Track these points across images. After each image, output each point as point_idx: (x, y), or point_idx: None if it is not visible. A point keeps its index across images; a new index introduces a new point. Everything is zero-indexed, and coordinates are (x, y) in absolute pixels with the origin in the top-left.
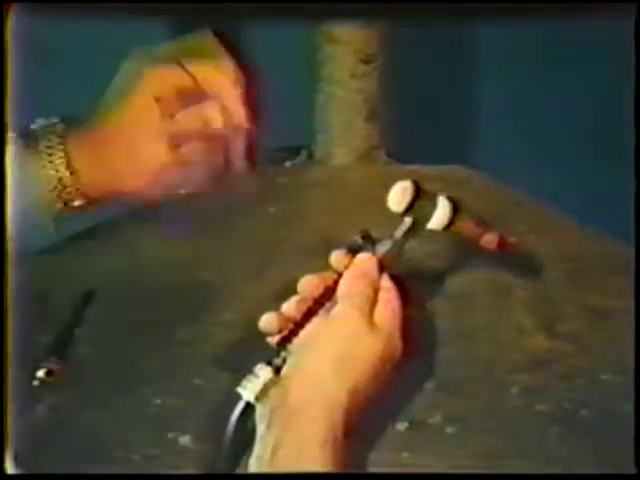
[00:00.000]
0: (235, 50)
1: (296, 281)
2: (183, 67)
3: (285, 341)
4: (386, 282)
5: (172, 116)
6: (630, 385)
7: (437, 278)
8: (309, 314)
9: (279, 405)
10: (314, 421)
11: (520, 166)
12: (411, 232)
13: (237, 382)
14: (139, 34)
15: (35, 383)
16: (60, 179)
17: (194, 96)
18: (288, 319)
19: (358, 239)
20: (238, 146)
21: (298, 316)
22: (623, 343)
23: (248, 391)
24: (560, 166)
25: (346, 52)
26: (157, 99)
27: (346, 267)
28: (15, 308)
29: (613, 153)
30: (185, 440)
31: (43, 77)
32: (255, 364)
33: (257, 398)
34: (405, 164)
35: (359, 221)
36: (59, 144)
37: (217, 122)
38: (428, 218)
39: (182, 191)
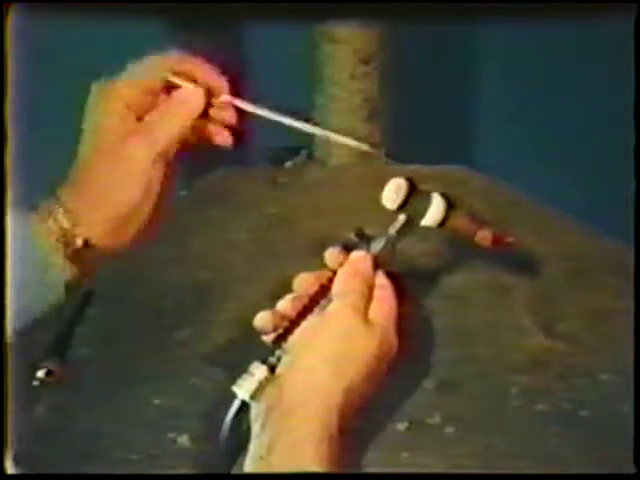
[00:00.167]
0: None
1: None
2: (144, 66)
3: (280, 339)
4: (381, 279)
5: (142, 118)
6: (630, 385)
7: (433, 276)
8: (304, 312)
9: (274, 404)
10: (309, 420)
11: (520, 166)
12: (405, 229)
13: (234, 381)
14: (139, 34)
15: (35, 383)
16: (63, 230)
17: (165, 94)
18: (283, 317)
19: (352, 237)
20: (222, 117)
21: (293, 314)
22: (623, 343)
23: (243, 390)
24: (560, 166)
25: (346, 52)
26: (126, 105)
27: (341, 265)
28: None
29: (613, 154)
30: (183, 440)
31: (43, 77)
32: (251, 363)
33: (252, 397)
34: (405, 164)
35: (359, 221)
36: (55, 199)
37: (194, 101)
38: (422, 215)
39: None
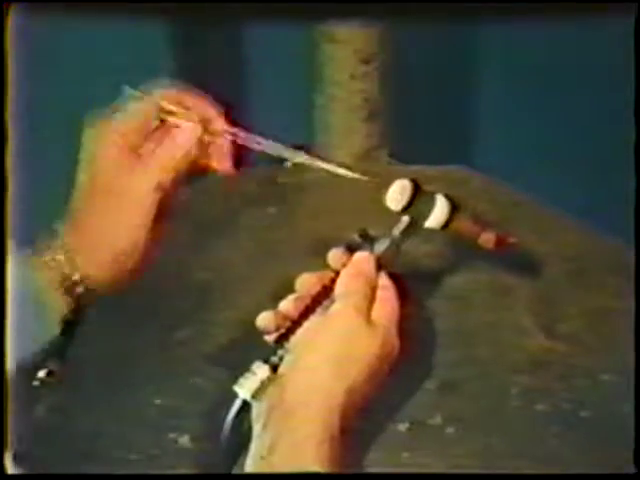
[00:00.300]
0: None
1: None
2: (139, 102)
3: (282, 339)
4: (384, 280)
5: (138, 152)
6: (630, 385)
7: (435, 276)
8: (307, 312)
9: (276, 404)
10: (311, 420)
11: (521, 166)
12: (409, 230)
13: (236, 381)
14: (139, 34)
15: (35, 383)
16: (64, 272)
17: (161, 127)
18: (285, 317)
19: (356, 237)
20: (220, 145)
21: (295, 314)
22: (623, 343)
23: (245, 389)
24: (560, 166)
25: (346, 52)
26: (122, 138)
27: (344, 265)
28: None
29: (613, 153)
30: (184, 440)
31: (43, 77)
32: (253, 362)
33: (254, 396)
34: (405, 164)
35: (359, 221)
36: (57, 240)
37: (190, 133)
38: (426, 217)
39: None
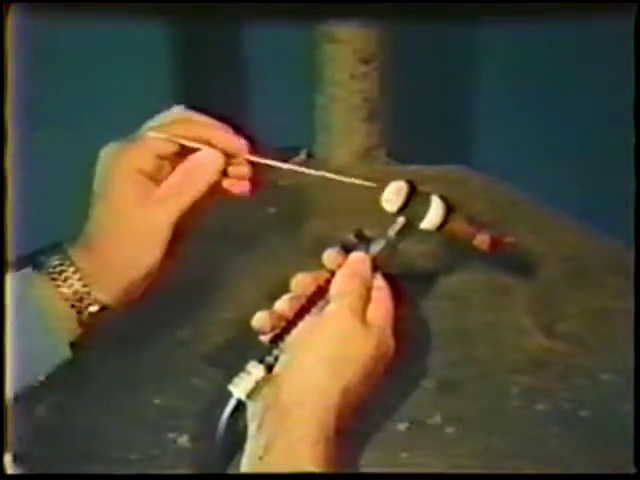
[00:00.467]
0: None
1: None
2: (157, 132)
3: (277, 339)
4: (379, 281)
5: (157, 181)
6: (630, 385)
7: (433, 277)
8: (302, 312)
9: (271, 404)
10: (306, 421)
11: (520, 166)
12: (404, 231)
13: (231, 381)
14: (139, 34)
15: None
16: (76, 293)
17: (180, 157)
18: (281, 317)
19: (352, 238)
20: (239, 172)
21: (291, 314)
22: (623, 343)
23: (240, 389)
24: (560, 166)
25: (346, 52)
26: (140, 170)
27: (339, 266)
28: None
29: (613, 153)
30: (183, 440)
31: (43, 78)
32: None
33: (249, 396)
34: (405, 164)
35: (359, 221)
36: (65, 260)
37: (214, 165)
38: (421, 218)
39: None
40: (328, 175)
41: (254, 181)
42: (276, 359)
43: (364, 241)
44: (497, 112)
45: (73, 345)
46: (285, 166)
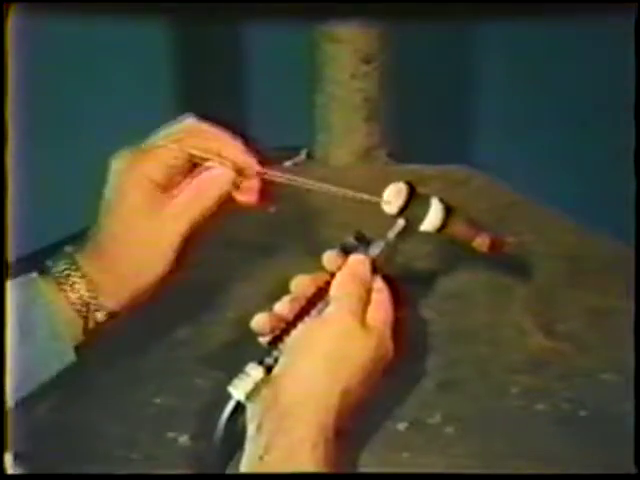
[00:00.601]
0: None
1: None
2: (170, 145)
3: (277, 340)
4: (379, 283)
5: (169, 193)
6: (630, 385)
7: (433, 276)
8: (301, 314)
9: (270, 406)
10: (305, 423)
11: (520, 166)
12: (404, 233)
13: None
14: (139, 34)
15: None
16: (83, 300)
17: (191, 169)
18: (280, 319)
19: (352, 239)
20: (249, 185)
21: (290, 316)
22: (623, 343)
23: (239, 390)
24: (560, 166)
25: (346, 52)
26: (151, 181)
27: (339, 268)
28: None
29: (613, 153)
30: (184, 440)
31: (43, 78)
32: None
33: (248, 397)
34: (405, 164)
35: (359, 222)
36: (73, 266)
37: (225, 181)
38: (421, 220)
39: None
40: (335, 189)
41: (263, 193)
42: (275, 360)
43: (364, 243)
44: (497, 112)
45: (77, 348)
46: (299, 183)
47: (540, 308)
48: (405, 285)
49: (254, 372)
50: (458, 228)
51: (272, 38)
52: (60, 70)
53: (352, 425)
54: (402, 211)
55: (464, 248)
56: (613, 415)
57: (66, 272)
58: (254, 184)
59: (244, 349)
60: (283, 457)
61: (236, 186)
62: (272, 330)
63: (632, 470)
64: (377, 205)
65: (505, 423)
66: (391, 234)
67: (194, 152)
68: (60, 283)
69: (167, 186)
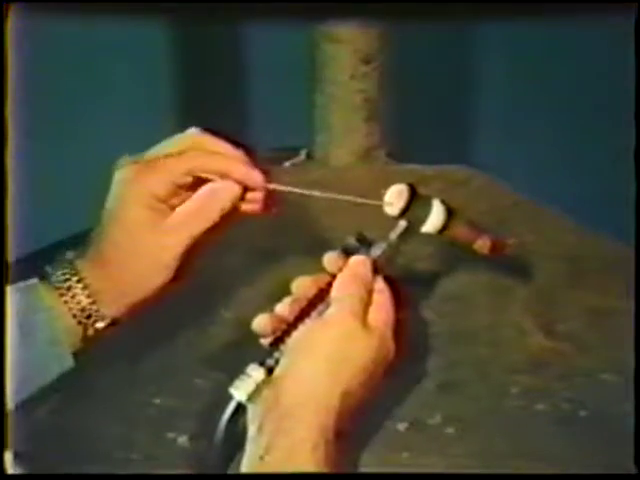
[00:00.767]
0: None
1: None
2: (175, 160)
3: (278, 342)
4: (380, 284)
5: (172, 206)
6: (630, 385)
7: (433, 278)
8: (302, 315)
9: (271, 407)
10: (306, 424)
11: (520, 166)
12: (405, 235)
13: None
14: (139, 34)
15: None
16: (83, 308)
17: (194, 182)
18: (281, 320)
19: (353, 241)
20: (253, 197)
21: (291, 317)
22: (623, 343)
23: (240, 391)
24: (560, 166)
25: (346, 52)
26: (154, 195)
27: (340, 269)
28: None
29: (613, 153)
30: (184, 440)
31: (43, 78)
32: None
33: (249, 398)
34: (405, 164)
35: (359, 222)
36: (74, 274)
37: (230, 197)
38: (423, 221)
39: None
40: (338, 197)
41: (266, 202)
42: (277, 362)
43: (365, 244)
44: (497, 112)
45: (76, 354)
46: (303, 192)
47: (540, 308)
48: (406, 286)
49: (255, 373)
50: (459, 230)
51: (272, 38)
52: (60, 70)
53: (353, 426)
54: (404, 212)
55: (465, 250)
56: (613, 415)
57: (67, 282)
58: (258, 195)
59: (245, 350)
60: (284, 458)
61: (240, 198)
62: (273, 331)
63: (632, 470)
64: (378, 207)
65: (505, 423)
66: (393, 235)
67: (197, 167)
68: (59, 289)
69: (171, 201)
